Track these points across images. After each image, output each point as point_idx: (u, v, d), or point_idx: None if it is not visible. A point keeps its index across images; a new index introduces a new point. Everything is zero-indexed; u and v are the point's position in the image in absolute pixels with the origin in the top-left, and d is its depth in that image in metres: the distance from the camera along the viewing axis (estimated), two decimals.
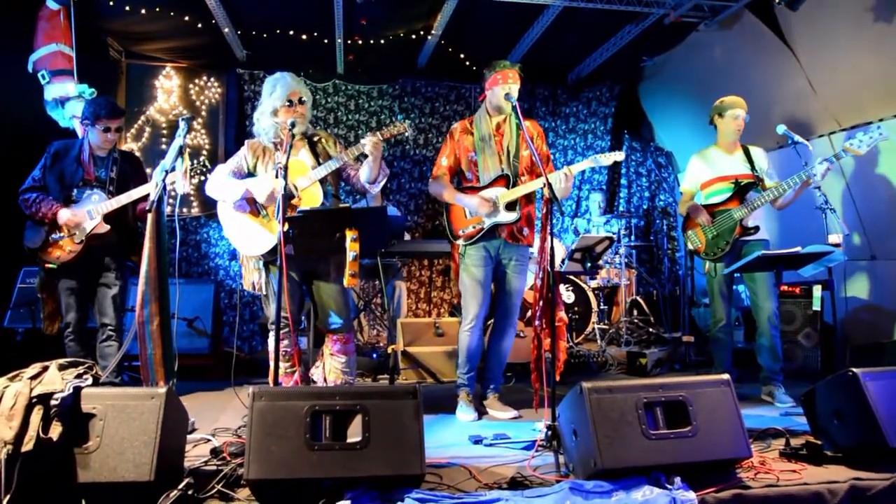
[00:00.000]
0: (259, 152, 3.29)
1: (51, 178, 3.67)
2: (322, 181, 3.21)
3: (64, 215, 3.58)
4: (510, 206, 3.52)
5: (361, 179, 3.31)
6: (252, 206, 3.20)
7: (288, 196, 3.08)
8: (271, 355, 2.97)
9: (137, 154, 6.05)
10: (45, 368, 2.22)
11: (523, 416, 3.51)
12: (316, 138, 3.37)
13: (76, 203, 3.65)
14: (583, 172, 7.40)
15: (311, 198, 3.17)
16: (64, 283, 3.67)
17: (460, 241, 3.56)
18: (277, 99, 3.21)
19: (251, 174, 3.27)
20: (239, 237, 3.24)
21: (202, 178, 3.36)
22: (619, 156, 3.59)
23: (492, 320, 3.75)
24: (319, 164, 3.23)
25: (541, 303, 3.19)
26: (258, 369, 4.80)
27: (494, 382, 3.69)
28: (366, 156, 3.20)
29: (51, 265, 3.63)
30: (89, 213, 3.63)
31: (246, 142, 3.35)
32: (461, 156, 3.60)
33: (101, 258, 3.71)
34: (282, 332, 3.01)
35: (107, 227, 3.65)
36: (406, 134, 3.27)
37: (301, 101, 3.24)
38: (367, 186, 3.32)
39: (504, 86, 3.46)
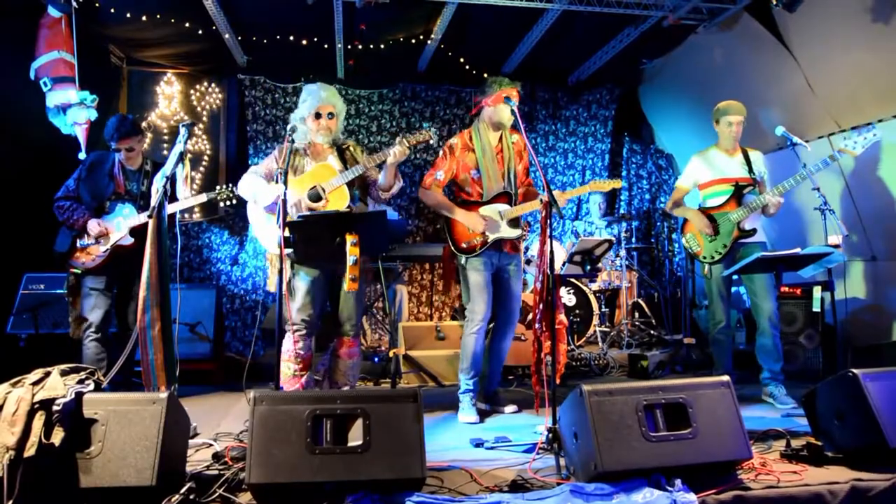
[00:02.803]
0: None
1: (84, 189, 3.81)
2: (350, 185, 3.27)
3: (92, 225, 3.70)
4: (513, 223, 3.60)
5: (377, 184, 3.37)
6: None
7: (315, 197, 3.21)
8: (285, 356, 3.04)
9: None
10: (48, 374, 2.23)
11: (524, 419, 3.52)
12: (345, 146, 3.46)
13: (108, 214, 3.78)
14: (583, 174, 7.42)
15: (337, 200, 3.23)
16: (88, 283, 3.76)
17: (463, 255, 3.60)
18: (307, 109, 3.32)
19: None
20: (266, 236, 3.34)
21: (229, 202, 3.81)
22: (616, 183, 3.69)
23: (492, 324, 3.77)
24: (347, 169, 3.29)
25: (541, 306, 3.21)
26: (260, 374, 4.80)
27: (494, 381, 3.79)
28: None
29: (76, 270, 3.75)
30: (117, 225, 3.74)
31: (277, 146, 3.39)
32: (460, 172, 3.66)
33: (126, 269, 3.78)
34: (298, 334, 3.11)
35: (131, 240, 3.73)
36: (431, 142, 3.33)
37: (330, 116, 3.33)
38: (380, 194, 3.38)
39: (511, 103, 3.52)
